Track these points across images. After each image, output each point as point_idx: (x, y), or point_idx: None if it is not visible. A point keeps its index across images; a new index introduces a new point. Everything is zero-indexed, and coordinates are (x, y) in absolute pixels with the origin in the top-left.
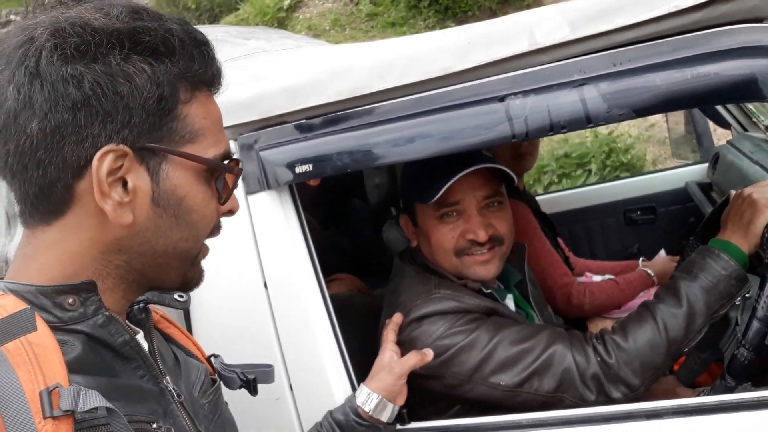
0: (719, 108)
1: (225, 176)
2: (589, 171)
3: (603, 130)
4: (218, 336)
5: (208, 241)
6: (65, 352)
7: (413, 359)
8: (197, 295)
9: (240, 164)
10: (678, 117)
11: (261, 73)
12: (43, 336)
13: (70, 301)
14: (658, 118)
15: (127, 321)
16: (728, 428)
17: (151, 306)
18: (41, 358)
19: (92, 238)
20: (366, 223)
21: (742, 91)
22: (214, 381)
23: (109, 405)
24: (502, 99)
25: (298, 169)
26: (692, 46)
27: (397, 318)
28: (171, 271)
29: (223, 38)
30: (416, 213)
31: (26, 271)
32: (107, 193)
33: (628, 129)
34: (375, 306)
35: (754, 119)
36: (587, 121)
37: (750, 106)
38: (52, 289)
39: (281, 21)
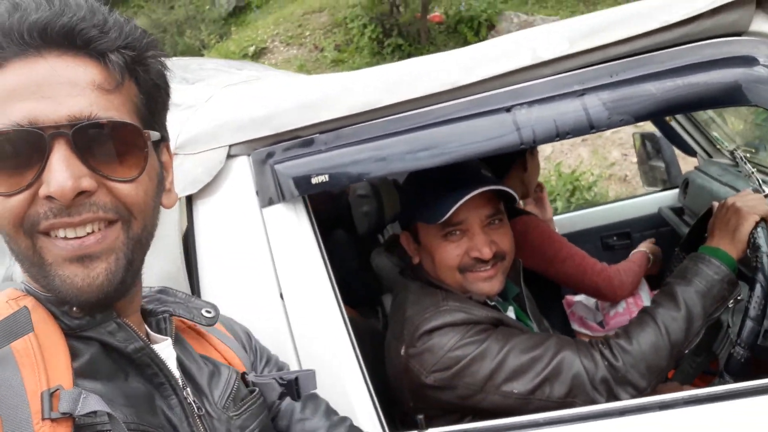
0: (685, 136)
1: None
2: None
3: (566, 168)
4: None
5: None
6: (75, 356)
7: None
8: None
9: None
10: (645, 148)
11: (265, 94)
12: (53, 338)
13: (74, 309)
14: (617, 157)
15: (148, 329)
16: (738, 414)
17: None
18: (48, 359)
19: None
20: (353, 254)
21: (729, 96)
22: (252, 391)
23: (109, 410)
24: (509, 109)
25: (314, 180)
26: (681, 57)
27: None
28: (33, 277)
29: (216, 68)
30: (418, 231)
31: None
32: None
33: (590, 168)
34: (374, 329)
35: (718, 146)
36: (590, 126)
37: (714, 133)
38: (54, 298)
39: None
